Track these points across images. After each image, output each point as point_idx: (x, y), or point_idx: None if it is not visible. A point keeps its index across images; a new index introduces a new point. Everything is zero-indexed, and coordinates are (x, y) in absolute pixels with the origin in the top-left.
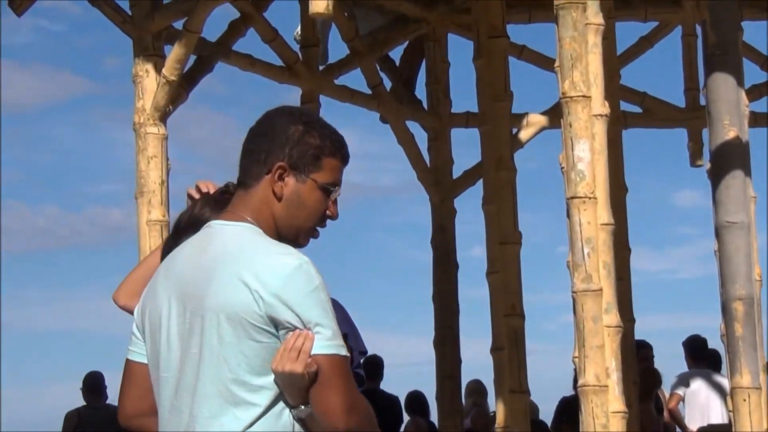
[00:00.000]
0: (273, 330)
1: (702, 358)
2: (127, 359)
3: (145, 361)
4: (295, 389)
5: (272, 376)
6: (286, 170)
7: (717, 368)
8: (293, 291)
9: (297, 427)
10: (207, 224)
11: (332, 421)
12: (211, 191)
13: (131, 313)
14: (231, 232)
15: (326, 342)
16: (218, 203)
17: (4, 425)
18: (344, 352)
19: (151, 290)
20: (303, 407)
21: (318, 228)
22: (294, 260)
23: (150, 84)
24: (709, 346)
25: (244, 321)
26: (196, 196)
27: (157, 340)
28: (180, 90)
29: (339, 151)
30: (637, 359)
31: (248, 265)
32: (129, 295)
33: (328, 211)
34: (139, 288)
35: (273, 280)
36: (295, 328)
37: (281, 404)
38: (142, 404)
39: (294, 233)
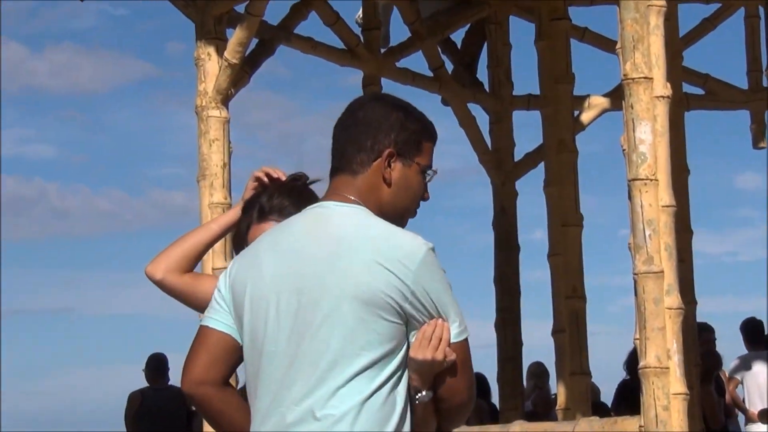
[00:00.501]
0: (402, 312)
1: (759, 340)
2: (203, 325)
3: (225, 330)
4: (428, 376)
5: (394, 357)
6: (394, 156)
7: None
8: (429, 275)
9: (401, 406)
10: (318, 204)
11: (460, 398)
12: (282, 178)
13: (165, 289)
14: (349, 213)
15: (458, 329)
16: (292, 191)
17: (72, 406)
18: (467, 333)
19: (252, 264)
20: (425, 392)
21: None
22: (424, 245)
23: (212, 67)
24: None
25: (380, 301)
26: (266, 180)
27: (260, 313)
28: (242, 73)
29: (434, 134)
30: (699, 342)
31: (384, 248)
32: (169, 270)
33: (425, 194)
34: (180, 264)
35: (411, 264)
36: (429, 312)
37: (394, 383)
38: (210, 372)
39: (399, 216)
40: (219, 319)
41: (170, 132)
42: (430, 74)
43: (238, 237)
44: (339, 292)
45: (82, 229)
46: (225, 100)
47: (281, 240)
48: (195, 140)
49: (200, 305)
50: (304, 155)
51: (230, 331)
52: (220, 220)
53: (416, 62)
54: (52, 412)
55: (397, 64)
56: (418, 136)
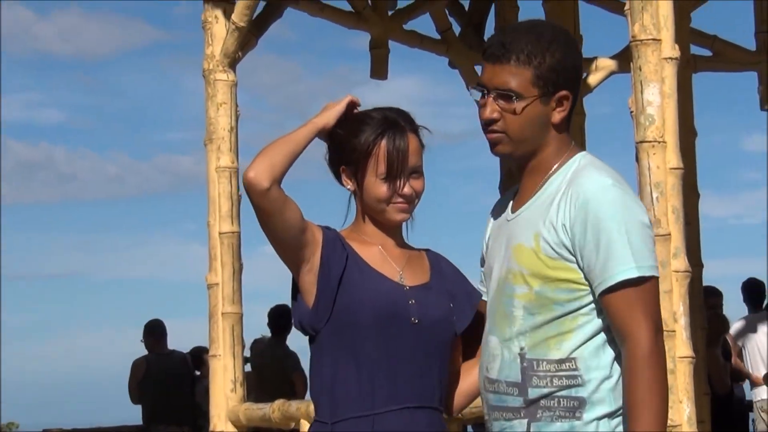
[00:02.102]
0: None
1: (759, 301)
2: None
3: None
4: None
5: None
6: None
7: None
8: None
9: None
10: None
11: None
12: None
13: (268, 201)
14: None
15: None
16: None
17: (78, 369)
18: None
19: None
20: None
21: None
22: None
23: (219, 30)
24: None
25: None
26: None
27: None
28: (249, 36)
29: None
30: (706, 306)
31: None
32: (275, 180)
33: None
34: (283, 173)
35: None
36: None
37: None
38: None
39: None
40: None
41: (177, 96)
42: (438, 37)
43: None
44: None
45: (90, 194)
46: (232, 63)
47: None
48: (202, 104)
49: (286, 227)
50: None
51: None
52: (311, 126)
53: (424, 24)
54: (58, 374)
55: (405, 27)
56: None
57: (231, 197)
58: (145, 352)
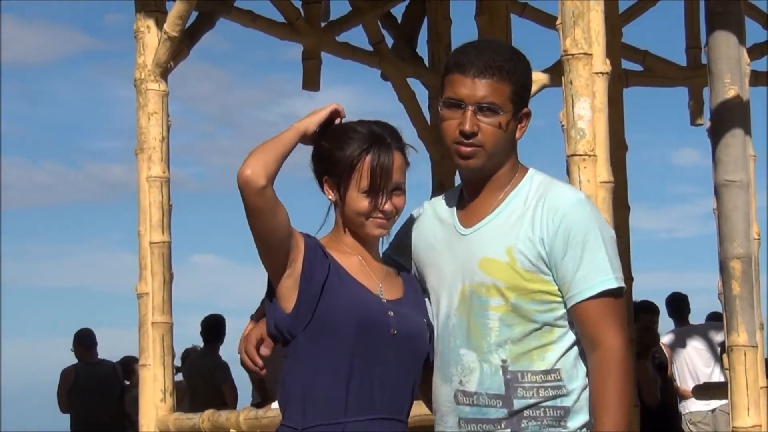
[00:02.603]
0: None
1: (684, 315)
2: None
3: None
4: None
5: None
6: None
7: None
8: None
9: None
10: None
11: None
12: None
13: (263, 199)
14: None
15: None
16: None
17: (6, 377)
18: None
19: None
20: None
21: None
22: None
23: (151, 40)
24: (708, 304)
25: None
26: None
27: None
28: (181, 46)
29: (449, 66)
30: (640, 320)
31: None
32: (270, 178)
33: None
34: (275, 171)
35: None
36: None
37: None
38: None
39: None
40: None
41: (109, 105)
42: (370, 49)
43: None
44: None
45: (21, 202)
46: (164, 73)
47: None
48: (134, 113)
49: (276, 229)
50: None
51: None
52: (294, 130)
53: (356, 36)
54: None
55: (337, 38)
56: (441, 75)
57: (162, 207)
58: (74, 361)
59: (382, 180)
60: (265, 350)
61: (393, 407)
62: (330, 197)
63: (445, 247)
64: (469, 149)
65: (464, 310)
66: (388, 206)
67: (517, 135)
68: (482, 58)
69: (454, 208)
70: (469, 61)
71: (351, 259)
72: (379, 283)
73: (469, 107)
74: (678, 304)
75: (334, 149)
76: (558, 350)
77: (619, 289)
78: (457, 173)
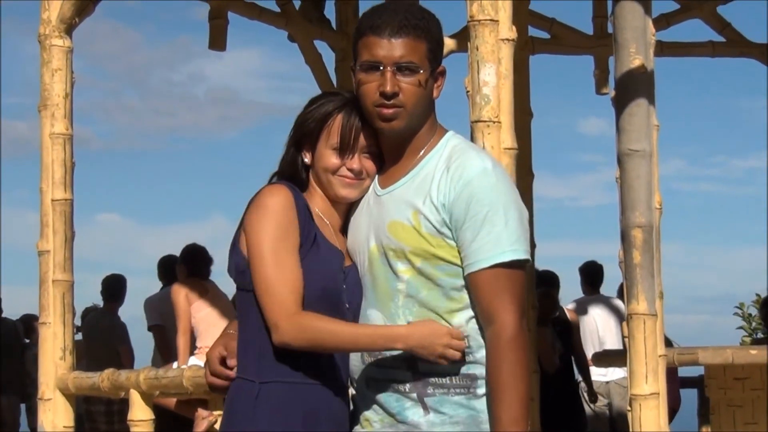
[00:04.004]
0: None
1: (597, 285)
2: None
3: None
4: None
5: None
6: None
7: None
8: None
9: None
10: None
11: None
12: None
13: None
14: None
15: None
16: None
17: None
18: None
19: None
20: None
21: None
22: None
23: None
24: (607, 273)
25: None
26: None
27: None
28: (86, 2)
29: (362, 29)
30: (541, 290)
31: None
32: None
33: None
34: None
35: None
36: None
37: None
38: None
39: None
40: None
41: (13, 61)
42: (278, 10)
43: None
44: None
45: None
46: (69, 29)
47: None
48: (37, 70)
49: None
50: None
51: None
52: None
53: None
54: None
55: None
56: (354, 40)
57: (65, 164)
58: None
59: (351, 138)
60: (232, 362)
61: (346, 374)
62: (306, 160)
63: (365, 208)
64: (391, 111)
65: (373, 271)
66: (356, 164)
67: (435, 94)
68: (396, 18)
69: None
70: (383, 22)
71: (324, 224)
72: (344, 252)
73: (388, 68)
74: (593, 274)
75: (311, 111)
76: (464, 315)
77: (515, 261)
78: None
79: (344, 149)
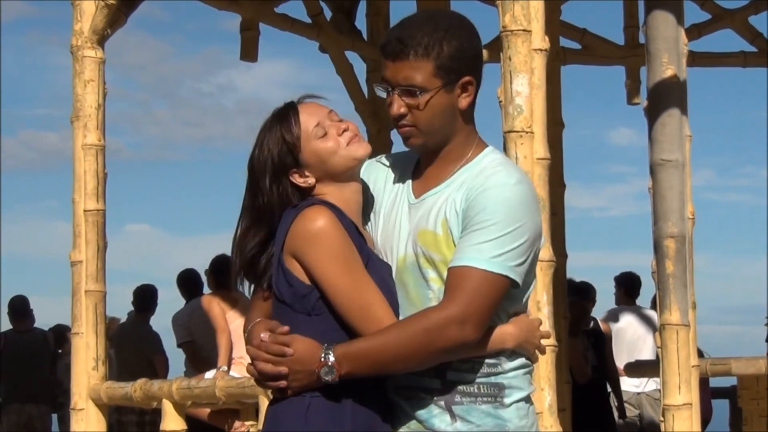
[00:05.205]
0: None
1: (636, 294)
2: None
3: None
4: None
5: None
6: None
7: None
8: None
9: None
10: None
11: None
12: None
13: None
14: None
15: None
16: None
17: None
18: None
19: None
20: None
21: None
22: None
23: (88, 7)
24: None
25: None
26: None
27: None
28: (119, 14)
29: (384, 49)
30: (571, 300)
31: None
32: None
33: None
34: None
35: None
36: None
37: None
38: None
39: None
40: None
41: (45, 72)
42: (309, 21)
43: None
44: None
45: None
46: (101, 40)
47: None
48: (70, 81)
49: None
50: (179, 98)
51: None
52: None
53: (295, 8)
54: None
55: (276, 10)
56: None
57: (97, 175)
58: (7, 328)
59: (325, 120)
60: (284, 328)
61: (390, 388)
62: (309, 182)
63: (398, 215)
64: (404, 130)
65: (403, 278)
66: (341, 126)
67: (461, 105)
68: (401, 39)
69: (410, 175)
70: (388, 43)
71: (358, 228)
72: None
73: (394, 90)
74: (633, 284)
75: (267, 143)
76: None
77: (489, 273)
78: (385, 149)
79: (326, 128)
